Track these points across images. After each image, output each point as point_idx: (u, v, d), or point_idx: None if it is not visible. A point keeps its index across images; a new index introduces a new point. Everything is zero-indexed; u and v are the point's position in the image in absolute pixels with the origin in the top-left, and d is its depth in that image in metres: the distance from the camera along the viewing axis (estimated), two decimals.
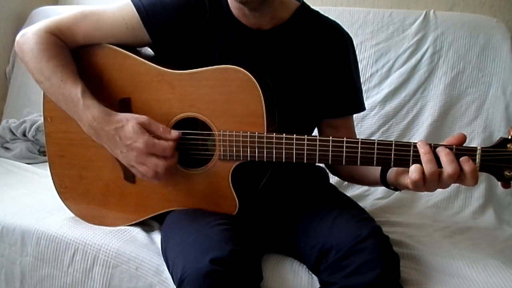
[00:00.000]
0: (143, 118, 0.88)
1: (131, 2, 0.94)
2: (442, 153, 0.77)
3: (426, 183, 0.78)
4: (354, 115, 1.11)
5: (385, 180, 0.91)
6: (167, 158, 0.87)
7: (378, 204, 1.39)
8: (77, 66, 0.96)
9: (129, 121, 0.87)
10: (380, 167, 0.91)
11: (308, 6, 1.02)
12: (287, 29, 0.98)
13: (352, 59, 1.04)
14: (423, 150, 0.78)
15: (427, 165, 0.76)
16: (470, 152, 0.77)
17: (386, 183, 0.91)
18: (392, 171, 0.88)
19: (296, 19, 0.99)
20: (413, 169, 0.78)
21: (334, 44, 1.01)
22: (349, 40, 1.04)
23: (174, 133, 0.88)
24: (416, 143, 0.80)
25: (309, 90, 1.00)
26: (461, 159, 0.76)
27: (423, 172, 0.77)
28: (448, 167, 0.75)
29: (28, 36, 0.94)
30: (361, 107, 1.08)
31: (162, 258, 0.91)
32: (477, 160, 0.77)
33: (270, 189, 0.98)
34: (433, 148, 0.78)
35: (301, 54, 0.99)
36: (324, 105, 1.03)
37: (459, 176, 0.76)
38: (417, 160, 0.79)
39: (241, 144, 0.88)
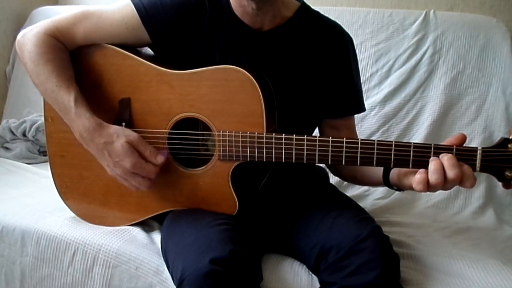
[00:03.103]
0: (133, 136, 0.88)
1: (131, 2, 0.94)
2: (445, 157, 0.76)
3: (429, 189, 0.78)
4: (354, 115, 1.11)
5: (387, 181, 0.91)
6: (151, 178, 0.90)
7: (378, 204, 1.39)
8: (77, 67, 0.96)
9: (119, 138, 0.88)
10: (382, 168, 0.91)
11: (309, 7, 1.02)
12: (288, 29, 0.98)
13: (352, 60, 1.04)
14: (433, 162, 0.77)
15: (433, 175, 0.76)
16: (471, 153, 0.77)
17: (388, 183, 0.91)
18: (395, 171, 0.88)
19: (297, 19, 0.99)
20: (418, 180, 0.77)
21: (335, 45, 1.01)
22: (350, 40, 1.04)
23: (160, 159, 0.89)
24: (416, 143, 0.80)
25: (310, 90, 1.00)
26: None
27: (427, 182, 0.77)
28: (450, 172, 0.75)
29: (28, 37, 0.94)
30: (361, 108, 1.08)
31: (162, 258, 0.91)
32: (478, 160, 0.77)
33: (270, 189, 0.98)
34: (433, 148, 0.78)
35: (301, 54, 0.99)
36: (324, 106, 1.03)
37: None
38: (417, 160, 0.79)
39: (240, 144, 0.88)
